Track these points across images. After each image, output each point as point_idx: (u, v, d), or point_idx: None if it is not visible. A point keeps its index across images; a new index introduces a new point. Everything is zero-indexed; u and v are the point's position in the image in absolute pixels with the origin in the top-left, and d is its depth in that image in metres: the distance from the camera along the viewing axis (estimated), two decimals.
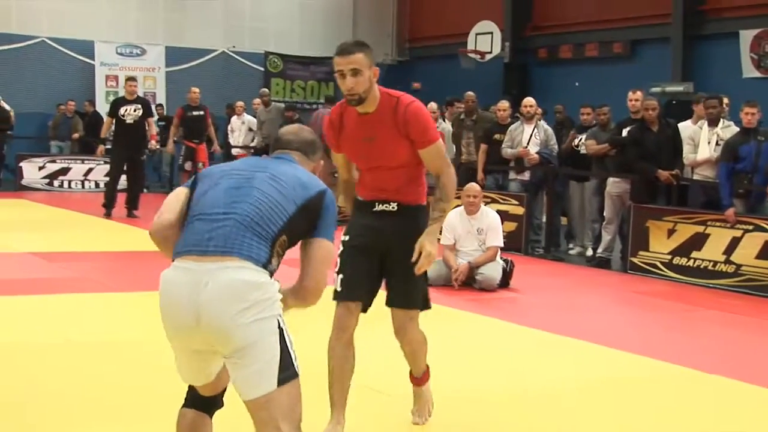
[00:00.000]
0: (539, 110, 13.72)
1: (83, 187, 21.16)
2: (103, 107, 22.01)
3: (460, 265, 10.25)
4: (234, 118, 20.20)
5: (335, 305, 5.25)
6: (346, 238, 5.38)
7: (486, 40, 20.87)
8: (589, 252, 13.11)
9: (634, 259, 12.01)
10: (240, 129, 20.14)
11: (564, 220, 13.91)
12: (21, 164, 20.72)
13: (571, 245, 13.77)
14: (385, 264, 5.37)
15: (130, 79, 17.48)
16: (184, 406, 4.10)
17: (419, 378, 5.61)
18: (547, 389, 6.65)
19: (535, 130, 13.50)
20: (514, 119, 14.00)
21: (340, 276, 5.24)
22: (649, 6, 19.18)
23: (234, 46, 23.86)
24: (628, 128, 12.47)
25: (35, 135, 21.21)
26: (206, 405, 4.09)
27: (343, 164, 5.61)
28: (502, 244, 10.52)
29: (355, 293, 5.26)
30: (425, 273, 5.34)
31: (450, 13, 23.00)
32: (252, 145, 19.84)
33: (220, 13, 23.95)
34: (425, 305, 5.64)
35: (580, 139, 13.25)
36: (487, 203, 11.23)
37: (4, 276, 10.22)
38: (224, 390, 4.10)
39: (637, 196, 12.16)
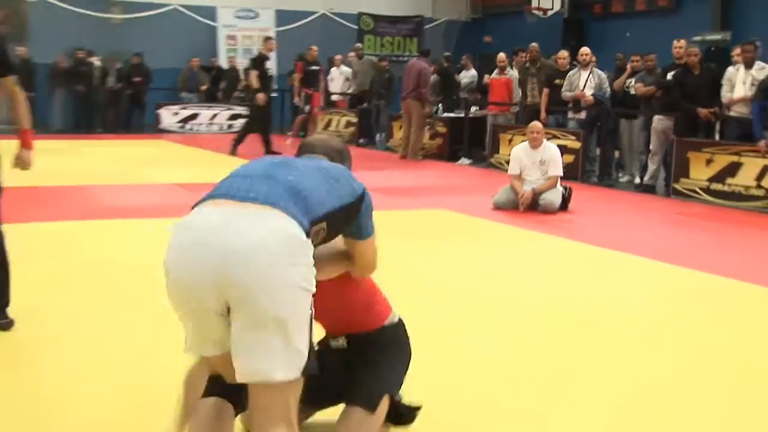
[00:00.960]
0: (593, 58, 13.47)
1: (210, 129, 21.21)
2: (224, 63, 22.25)
3: (525, 192, 10.20)
4: (333, 69, 20.19)
5: None
6: None
7: None
8: (637, 180, 12.89)
9: (677, 186, 11.81)
10: (338, 78, 20.17)
11: (615, 153, 13.68)
12: (159, 111, 20.94)
13: (621, 174, 13.56)
14: None
15: (269, 38, 17.79)
16: (206, 395, 2.95)
17: None
18: (604, 299, 6.59)
19: (590, 75, 13.29)
20: (572, 66, 13.79)
21: None
22: None
23: (332, 9, 23.71)
24: (672, 72, 12.23)
25: (169, 87, 21.35)
26: (231, 393, 2.91)
27: None
28: (561, 174, 10.41)
29: None
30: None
31: None
32: (348, 91, 19.86)
33: None
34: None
35: (631, 82, 12.98)
36: (548, 139, 11.08)
37: (155, 202, 10.39)
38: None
39: (680, 131, 11.92)
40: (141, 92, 20.87)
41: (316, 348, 3.19)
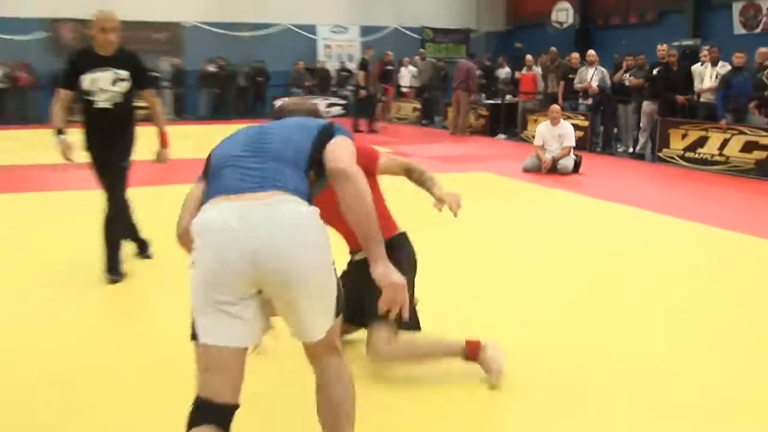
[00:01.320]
0: (598, 58, 13.39)
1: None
2: (325, 66, 22.26)
3: (547, 159, 10.31)
4: (402, 68, 20.18)
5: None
6: None
7: (564, 14, 20.27)
8: (630, 150, 12.84)
9: (660, 154, 11.79)
10: (406, 75, 20.11)
11: (614, 130, 13.64)
12: (275, 102, 20.70)
13: (618, 145, 13.49)
14: None
15: (369, 48, 18.16)
16: (194, 425, 2.12)
17: None
18: (610, 240, 6.62)
19: (595, 71, 13.24)
20: (581, 64, 13.73)
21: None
22: None
23: (402, 24, 23.60)
24: (657, 68, 12.18)
25: (282, 83, 21.57)
26: (223, 415, 2.15)
27: None
28: (574, 145, 10.50)
29: None
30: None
31: None
32: (414, 85, 19.92)
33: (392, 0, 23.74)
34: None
35: (626, 76, 12.91)
36: (565, 118, 11.13)
37: None
38: (236, 407, 2.19)
39: (662, 113, 11.91)
40: (262, 89, 20.92)
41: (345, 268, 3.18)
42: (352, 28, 23.10)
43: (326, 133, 2.34)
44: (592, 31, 20.59)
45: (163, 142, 5.21)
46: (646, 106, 12.24)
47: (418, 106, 19.38)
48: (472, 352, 3.26)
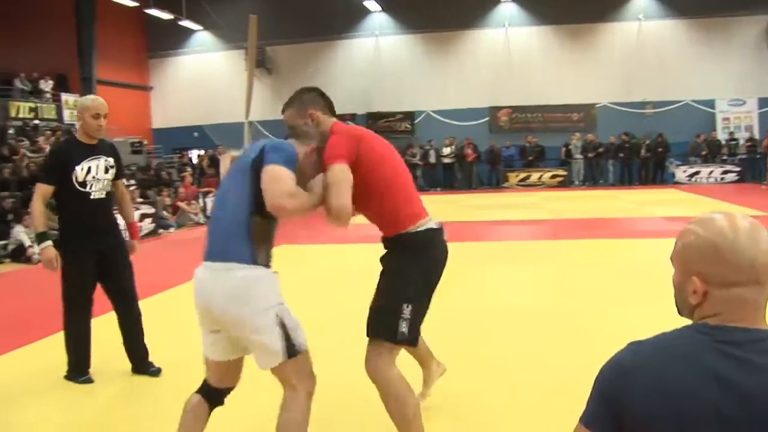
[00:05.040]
0: None
1: (708, 181, 22.32)
2: (721, 137, 23.38)
3: None
4: None
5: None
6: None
7: None
8: None
9: None
10: None
11: None
12: (673, 170, 22.73)
13: None
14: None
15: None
16: (195, 392, 3.02)
17: None
18: None
19: None
20: None
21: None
22: None
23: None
24: None
25: (680, 153, 22.90)
26: (210, 395, 2.98)
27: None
28: None
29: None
30: (398, 300, 2.94)
31: None
32: None
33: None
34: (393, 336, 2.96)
35: None
36: None
37: (645, 228, 11.42)
38: (229, 389, 3.02)
39: None
40: (663, 158, 23.03)
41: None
42: (749, 101, 23.97)
43: (258, 167, 2.71)
44: None
45: (133, 234, 4.89)
46: None
47: None
48: None
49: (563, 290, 7.03)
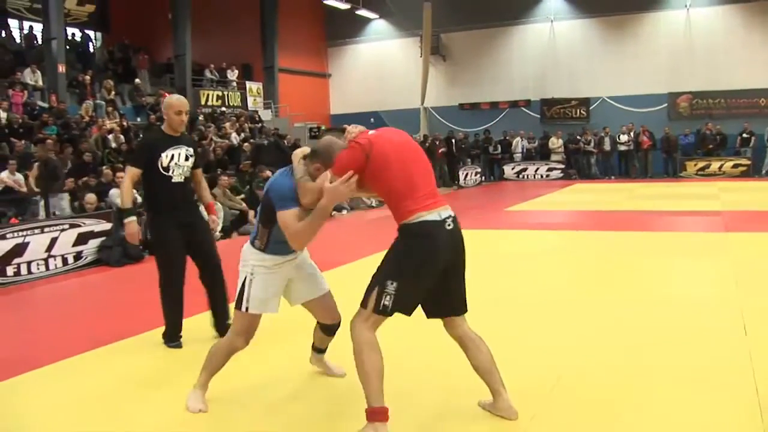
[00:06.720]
0: None
1: None
2: None
3: None
4: None
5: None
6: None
7: None
8: None
9: None
10: None
11: None
12: None
13: None
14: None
15: None
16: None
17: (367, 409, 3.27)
18: None
19: None
20: None
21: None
22: None
23: None
24: None
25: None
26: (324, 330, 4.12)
27: None
28: None
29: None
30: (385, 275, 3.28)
31: None
32: None
33: None
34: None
35: None
36: None
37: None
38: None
39: None
40: None
41: None
42: None
43: (270, 211, 3.53)
44: None
45: (210, 210, 5.53)
46: None
47: None
48: (374, 413, 3.22)
49: (735, 283, 6.69)
